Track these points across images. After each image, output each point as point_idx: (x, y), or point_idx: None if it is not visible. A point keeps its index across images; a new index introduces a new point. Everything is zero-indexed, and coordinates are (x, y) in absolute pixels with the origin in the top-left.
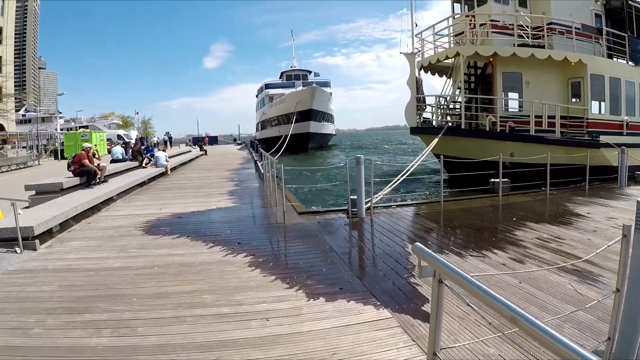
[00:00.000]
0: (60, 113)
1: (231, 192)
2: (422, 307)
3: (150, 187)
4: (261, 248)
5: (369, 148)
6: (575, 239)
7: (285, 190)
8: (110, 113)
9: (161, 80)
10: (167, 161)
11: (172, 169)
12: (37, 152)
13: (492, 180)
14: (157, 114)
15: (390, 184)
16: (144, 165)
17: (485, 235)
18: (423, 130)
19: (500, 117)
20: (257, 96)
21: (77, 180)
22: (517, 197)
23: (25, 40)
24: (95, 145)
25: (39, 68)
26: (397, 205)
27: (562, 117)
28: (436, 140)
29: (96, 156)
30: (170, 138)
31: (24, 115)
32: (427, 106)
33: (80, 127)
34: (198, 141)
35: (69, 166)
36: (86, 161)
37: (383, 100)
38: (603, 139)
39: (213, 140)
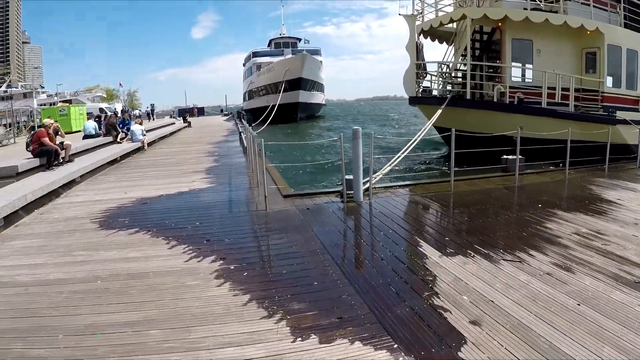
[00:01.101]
0: (43, 88)
1: (209, 169)
2: (461, 354)
3: (121, 165)
4: (234, 247)
5: (362, 119)
6: (619, 234)
7: (270, 169)
8: (95, 86)
9: (148, 52)
10: (143, 135)
11: (150, 144)
12: (17, 129)
13: (505, 157)
14: (144, 85)
15: (392, 161)
16: (118, 140)
17: (513, 229)
18: (423, 100)
19: (509, 87)
20: (244, 65)
21: (37, 162)
22: (533, 177)
23: (7, 15)
24: (56, 121)
25: (23, 42)
26: (399, 186)
27: (575, 90)
28: (440, 111)
29: (59, 133)
30: (152, 110)
31: (5, 92)
32: (428, 74)
33: (62, 101)
34: (185, 112)
35: (27, 146)
36: (46, 139)
37: (373, 72)
38: (619, 115)
39: (200, 112)
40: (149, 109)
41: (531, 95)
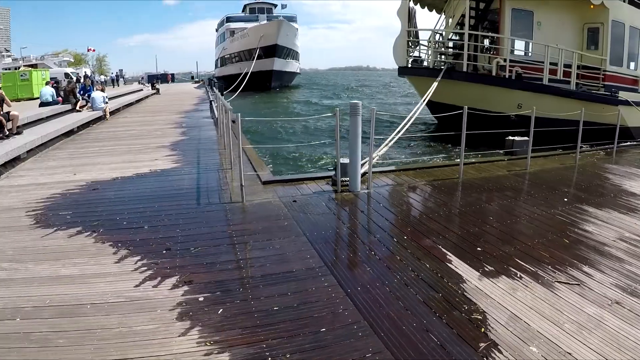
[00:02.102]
0: (8, 51)
1: (175, 144)
2: None
3: (77, 137)
4: (204, 263)
5: (338, 89)
6: None
7: (247, 149)
8: (63, 50)
9: (119, 17)
10: (105, 103)
11: (113, 113)
12: None
13: (512, 138)
14: (114, 51)
15: (388, 140)
16: (78, 108)
17: (550, 233)
18: (414, 71)
19: (501, 62)
20: (217, 30)
21: None
22: (541, 162)
23: None
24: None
25: None
26: (398, 171)
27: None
28: (435, 84)
29: (5, 101)
30: (117, 76)
31: None
32: (420, 43)
33: (27, 65)
34: (154, 79)
35: None
36: None
37: (346, 41)
38: (620, 95)
39: (165, 79)
40: (113, 75)
41: (530, 71)
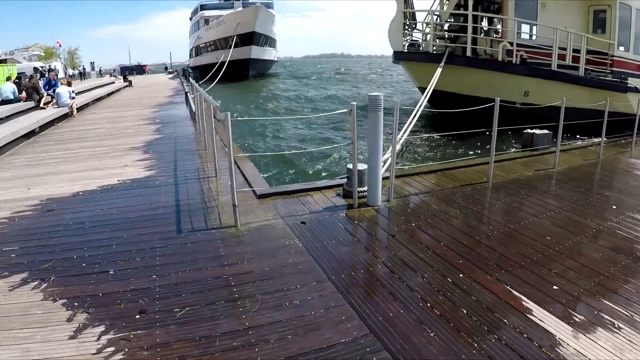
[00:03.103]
0: None
1: (148, 145)
2: None
3: (39, 139)
4: (195, 337)
5: (317, 77)
6: None
7: (238, 158)
8: (34, 44)
9: (88, 7)
10: (72, 98)
11: (81, 108)
12: None
13: (531, 132)
14: (85, 43)
15: (400, 137)
16: (42, 105)
17: (622, 257)
18: (412, 56)
19: (507, 46)
20: (190, 19)
21: None
22: (563, 158)
23: None
24: None
25: None
26: (417, 174)
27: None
28: (440, 70)
29: None
30: (84, 70)
31: None
32: (416, 27)
33: None
34: (127, 70)
35: None
36: None
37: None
38: (629, 82)
39: (142, 70)
40: (81, 69)
41: (535, 55)
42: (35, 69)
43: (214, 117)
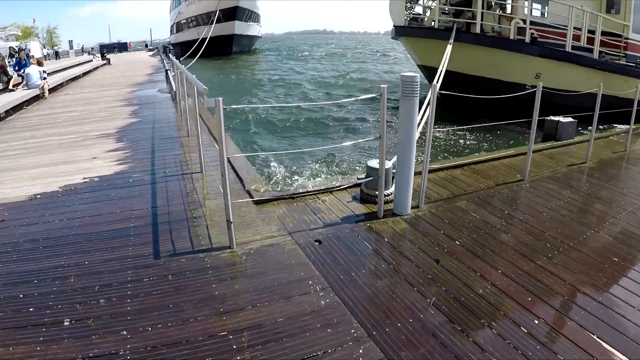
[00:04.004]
0: None
1: (123, 131)
2: None
3: (4, 125)
4: None
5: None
6: None
7: (232, 159)
8: (12, 24)
9: None
10: (43, 79)
11: (54, 89)
12: None
13: (555, 119)
14: (66, 22)
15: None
16: (11, 87)
17: None
18: (416, 32)
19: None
20: None
21: None
22: (597, 149)
23: None
24: None
25: None
26: (440, 170)
27: (593, 32)
28: (450, 47)
29: None
30: (56, 50)
31: None
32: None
33: None
34: (113, 48)
35: None
36: None
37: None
38: None
39: (123, 48)
40: (57, 48)
41: (546, 34)
42: (12, 48)
43: (200, 99)
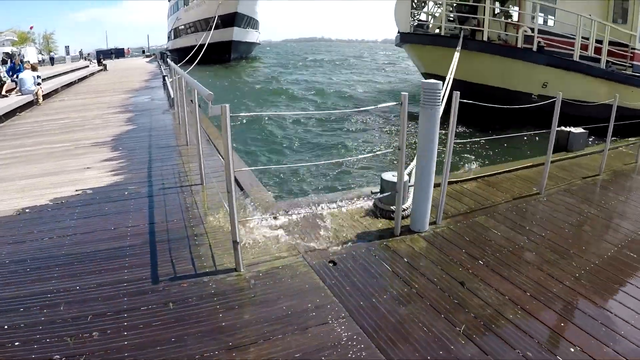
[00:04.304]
0: None
1: (118, 139)
2: None
3: None
4: None
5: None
6: None
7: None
8: (8, 29)
9: None
10: (37, 84)
11: (48, 95)
12: None
13: (567, 130)
14: (63, 27)
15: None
16: (4, 92)
17: None
18: (422, 39)
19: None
20: (169, 0)
21: None
22: (600, 160)
23: None
24: None
25: None
26: (453, 182)
27: (600, 42)
28: (457, 54)
29: None
30: (52, 56)
31: None
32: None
33: None
34: (110, 54)
35: None
36: None
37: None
38: None
39: (120, 53)
40: (52, 54)
41: (554, 43)
42: (6, 54)
43: (198, 106)
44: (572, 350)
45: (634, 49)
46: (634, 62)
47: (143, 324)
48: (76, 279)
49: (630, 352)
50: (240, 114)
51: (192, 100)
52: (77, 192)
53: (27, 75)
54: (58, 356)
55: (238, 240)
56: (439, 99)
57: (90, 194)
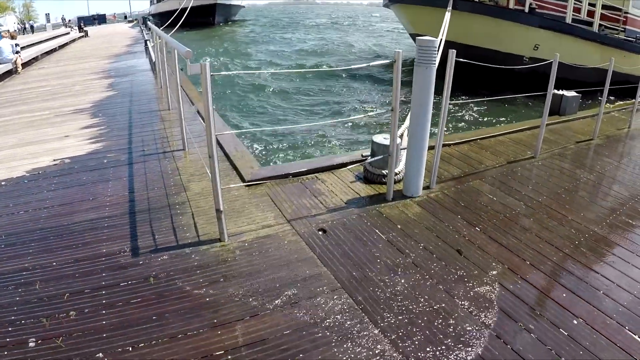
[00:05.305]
0: None
1: (98, 105)
2: None
3: None
4: None
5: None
6: None
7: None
8: None
9: None
10: (15, 52)
11: (28, 64)
12: None
13: (560, 93)
14: None
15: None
16: None
17: None
18: None
19: None
20: None
21: None
22: (594, 124)
23: None
24: None
25: None
26: (444, 145)
27: (593, 5)
28: (448, 15)
29: None
30: (30, 25)
31: None
32: None
33: None
34: (93, 20)
35: None
36: None
37: None
38: None
39: (102, 20)
40: (31, 22)
41: (545, 5)
42: None
43: (180, 69)
44: (575, 322)
45: (627, 13)
46: (627, 27)
47: (122, 302)
48: (53, 254)
49: (631, 321)
50: (222, 72)
51: (182, 69)
52: (54, 162)
53: (5, 44)
54: (34, 339)
55: (221, 209)
56: (435, 57)
57: (68, 164)
